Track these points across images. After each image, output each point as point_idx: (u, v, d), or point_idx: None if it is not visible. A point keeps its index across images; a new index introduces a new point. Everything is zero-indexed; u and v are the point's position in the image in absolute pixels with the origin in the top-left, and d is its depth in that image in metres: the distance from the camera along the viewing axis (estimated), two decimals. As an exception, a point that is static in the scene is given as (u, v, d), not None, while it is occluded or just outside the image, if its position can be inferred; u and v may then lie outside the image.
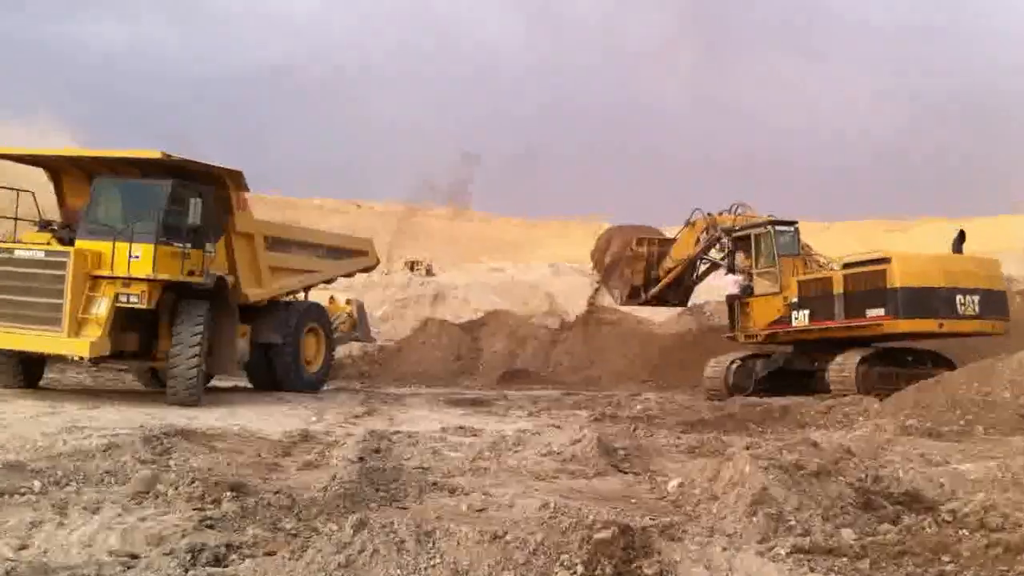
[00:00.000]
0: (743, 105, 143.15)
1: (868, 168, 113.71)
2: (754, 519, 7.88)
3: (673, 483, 9.70)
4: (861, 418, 15.39)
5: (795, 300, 20.47)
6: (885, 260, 19.52)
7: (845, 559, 7.09)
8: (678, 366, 25.16)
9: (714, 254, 23.32)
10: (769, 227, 21.35)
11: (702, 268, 24.21)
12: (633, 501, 9.28)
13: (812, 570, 6.61)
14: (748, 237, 21.64)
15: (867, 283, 19.41)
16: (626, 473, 10.97)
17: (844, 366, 19.01)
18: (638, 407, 17.93)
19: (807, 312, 20.27)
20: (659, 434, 13.96)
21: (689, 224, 24.04)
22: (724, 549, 7.09)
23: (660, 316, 31.50)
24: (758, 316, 21.13)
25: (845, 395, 18.06)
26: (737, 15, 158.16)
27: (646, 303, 25.09)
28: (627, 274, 25.01)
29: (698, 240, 23.56)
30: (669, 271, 24.29)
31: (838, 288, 19.87)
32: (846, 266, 20.10)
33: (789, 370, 21.16)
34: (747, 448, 9.53)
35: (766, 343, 21.39)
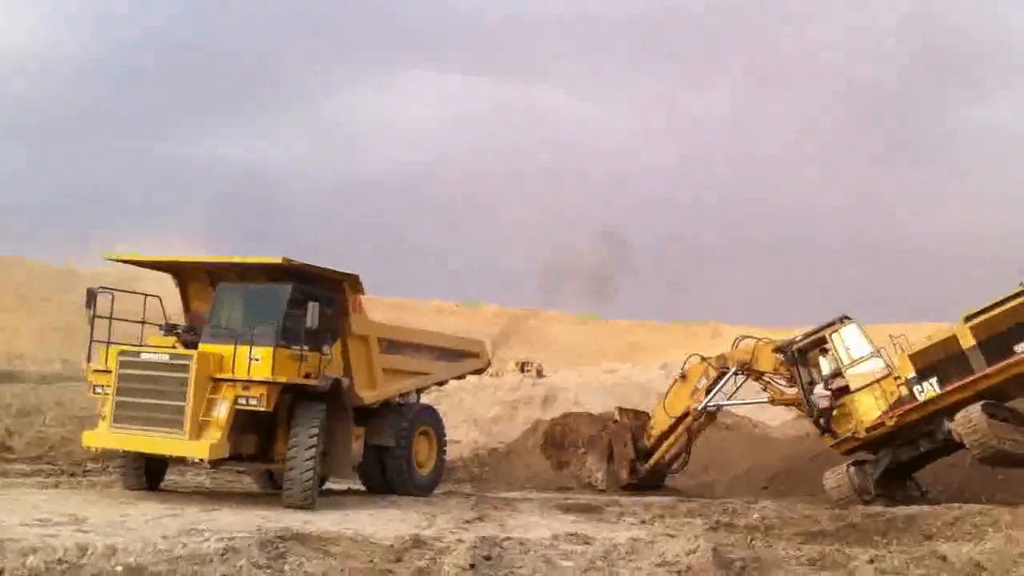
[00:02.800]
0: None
1: None
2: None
3: (794, 599, 9.34)
4: (991, 529, 14.59)
5: (912, 375, 19.82)
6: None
7: None
8: (796, 472, 24.38)
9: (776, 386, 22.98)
10: (845, 321, 21.02)
11: (702, 419, 23.71)
12: (752, 617, 8.96)
13: None
14: (822, 340, 21.23)
15: (1008, 321, 18.90)
16: (744, 587, 10.62)
17: (969, 415, 18.34)
18: (755, 515, 17.38)
19: (934, 380, 19.59)
20: (778, 545, 13.50)
21: (681, 376, 23.91)
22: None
23: (777, 419, 30.81)
24: (864, 411, 20.40)
25: (982, 448, 17.89)
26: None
27: (645, 480, 24.12)
28: (621, 450, 24.25)
29: (695, 389, 23.32)
30: (665, 434, 23.83)
31: (967, 342, 19.26)
32: (968, 319, 19.45)
33: (906, 461, 20.43)
34: (871, 562, 9.15)
35: (882, 435, 20.54)
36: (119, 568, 9.00)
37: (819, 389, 21.19)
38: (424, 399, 22.10)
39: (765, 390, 23.48)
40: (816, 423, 21.28)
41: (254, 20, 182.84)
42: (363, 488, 20.13)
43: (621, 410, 25.71)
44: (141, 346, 16.92)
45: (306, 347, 16.62)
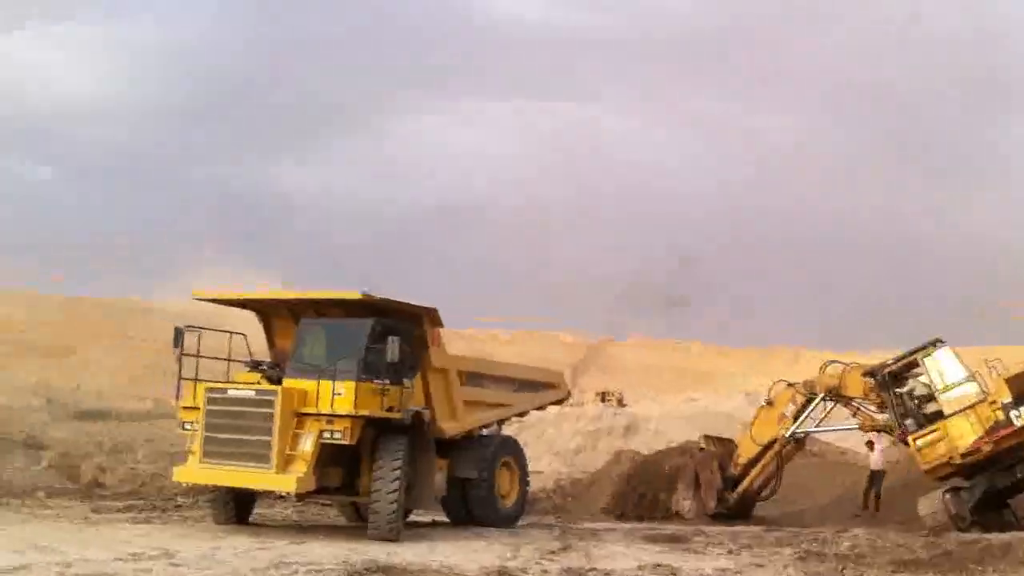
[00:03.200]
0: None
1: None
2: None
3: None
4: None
5: (1008, 400, 19.25)
6: None
7: None
8: (888, 500, 23.76)
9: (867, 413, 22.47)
10: (938, 344, 20.51)
11: (790, 447, 23.28)
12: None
13: None
14: (914, 364, 20.72)
15: None
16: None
17: None
18: (845, 544, 16.96)
19: None
20: (869, 574, 13.16)
21: (767, 403, 23.57)
22: None
23: (866, 447, 30.09)
24: (958, 437, 19.83)
25: None
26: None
27: (733, 509, 23.60)
28: (708, 479, 23.86)
29: (782, 416, 22.95)
30: (752, 461, 23.44)
31: None
32: None
33: (1002, 488, 19.81)
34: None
35: (978, 460, 19.95)
36: (211, 601, 9.15)
37: (909, 421, 20.72)
38: (505, 430, 22.12)
39: (855, 416, 22.99)
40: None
41: (317, 52, 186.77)
42: (447, 520, 20.16)
43: (707, 438, 25.42)
44: (228, 383, 17.23)
45: (387, 381, 16.77)
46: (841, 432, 26.25)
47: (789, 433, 22.92)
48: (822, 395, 22.70)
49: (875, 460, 22.48)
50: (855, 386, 22.22)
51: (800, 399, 22.97)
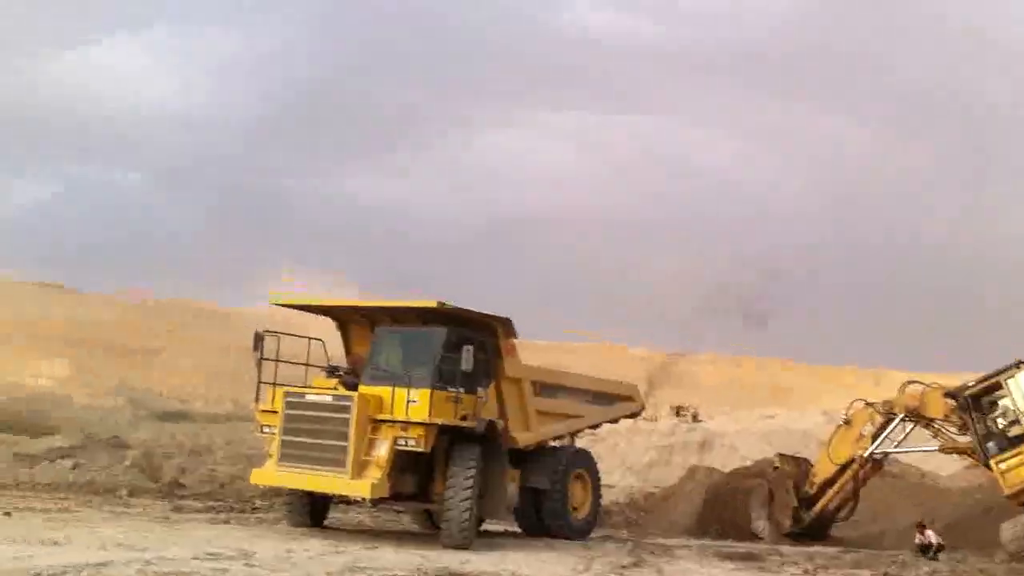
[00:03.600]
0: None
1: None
2: None
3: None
4: None
5: None
6: None
7: None
8: (969, 524, 23.14)
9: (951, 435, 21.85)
10: (1022, 365, 19.85)
11: (868, 467, 22.71)
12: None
13: None
14: (997, 386, 20.11)
15: None
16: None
17: None
18: (925, 569, 16.59)
19: None
20: (952, 599, 12.83)
21: (845, 422, 23.10)
22: None
23: (947, 469, 29.39)
24: None
25: None
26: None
27: (808, 529, 23.27)
28: (783, 498, 23.53)
29: (860, 436, 22.50)
30: (829, 481, 22.99)
31: None
32: None
33: None
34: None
35: None
36: (286, 602, 9.27)
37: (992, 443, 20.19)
38: (578, 443, 22.05)
39: (935, 437, 22.46)
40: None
41: (391, 62, 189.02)
42: (519, 530, 20.16)
43: (782, 456, 25.07)
44: (306, 387, 17.47)
45: (461, 389, 16.85)
46: (921, 454, 25.65)
47: (867, 453, 22.46)
48: (902, 415, 22.21)
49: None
50: (936, 407, 21.71)
51: (879, 419, 22.53)
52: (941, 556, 18.99)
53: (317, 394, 17.07)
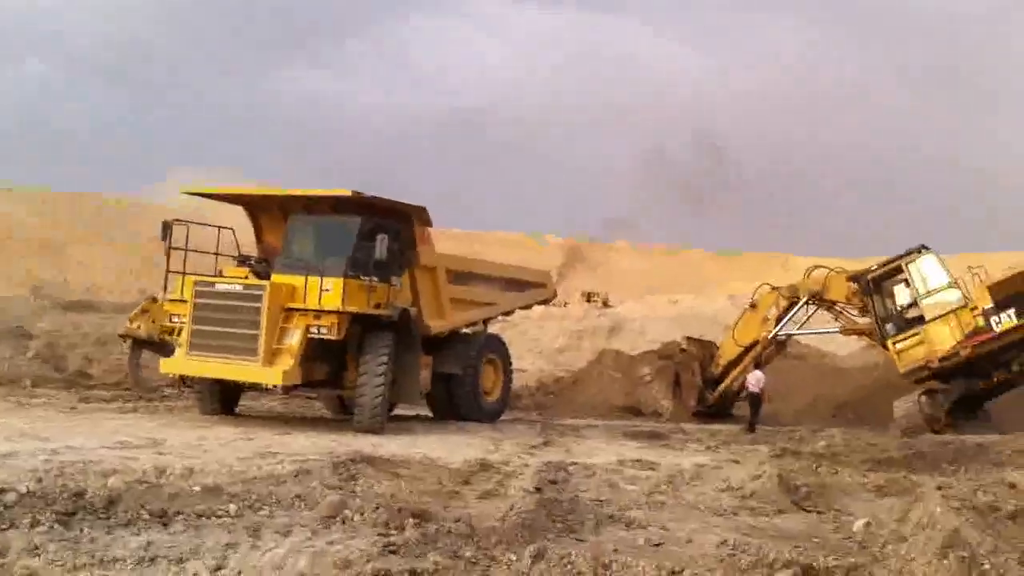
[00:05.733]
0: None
1: None
2: (945, 562, 7.54)
3: (859, 523, 9.38)
4: (1064, 456, 14.40)
5: (989, 306, 19.51)
6: None
7: (1044, 607, 6.69)
8: (866, 402, 24.20)
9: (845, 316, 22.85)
10: (923, 251, 20.74)
11: (772, 349, 23.66)
12: (816, 540, 9.02)
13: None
14: (898, 270, 20.87)
15: None
16: (809, 511, 10.68)
17: None
18: (821, 443, 17.35)
19: (1012, 312, 19.31)
20: (844, 472, 13.47)
21: (751, 306, 23.95)
22: (913, 594, 6.81)
23: (845, 350, 30.49)
24: (938, 341, 20.12)
25: None
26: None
27: (712, 408, 24.29)
28: (689, 379, 24.45)
29: (765, 319, 23.32)
30: (733, 363, 23.86)
31: None
32: None
33: (978, 392, 20.22)
34: (938, 488, 9.12)
35: (955, 365, 20.27)
36: (197, 488, 9.31)
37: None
38: (491, 329, 22.31)
39: (837, 320, 23.29)
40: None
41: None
42: (431, 415, 20.48)
43: (689, 339, 25.77)
44: (216, 277, 17.28)
45: (375, 278, 16.85)
46: (823, 336, 26.60)
47: (771, 335, 23.21)
48: (805, 299, 22.94)
49: (752, 383, 22.34)
50: (838, 290, 22.46)
51: (783, 302, 23.23)
52: (836, 431, 19.79)
53: (228, 283, 16.90)
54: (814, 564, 6.85)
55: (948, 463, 15.07)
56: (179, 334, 17.11)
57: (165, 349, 19.83)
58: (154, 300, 20.19)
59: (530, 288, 22.88)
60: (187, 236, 17.08)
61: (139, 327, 19.61)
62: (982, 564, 7.47)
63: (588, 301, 42.38)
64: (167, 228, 17.14)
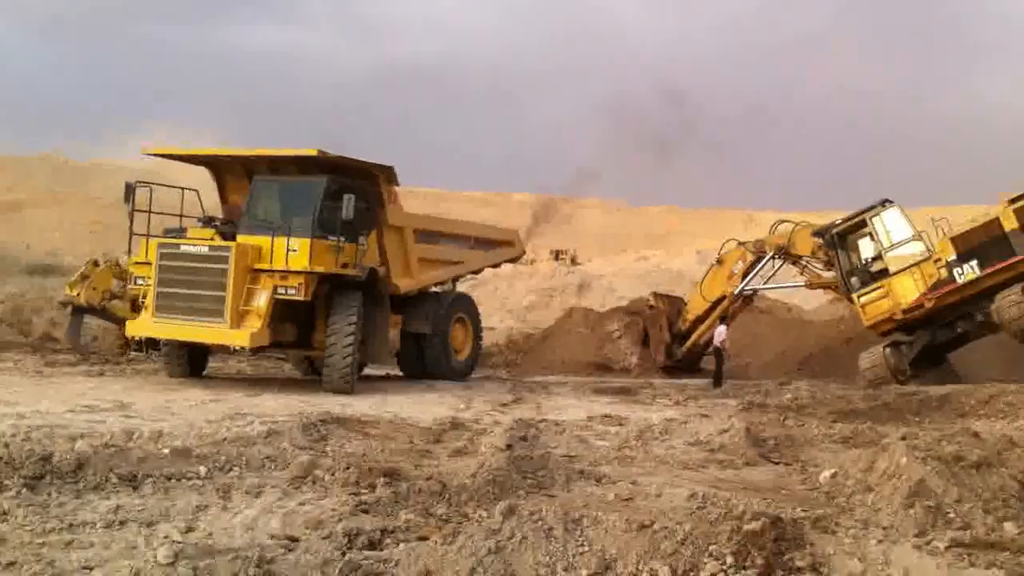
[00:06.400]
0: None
1: None
2: (911, 512, 7.65)
3: (825, 474, 9.49)
4: (1026, 407, 14.61)
5: (953, 258, 19.71)
6: None
7: (1007, 553, 6.81)
8: (831, 355, 24.47)
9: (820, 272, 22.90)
10: (886, 204, 20.83)
11: (738, 303, 23.83)
12: (784, 492, 9.13)
13: (972, 564, 6.39)
14: (862, 224, 21.02)
15: None
16: (776, 463, 10.80)
17: (1009, 296, 18.53)
18: (788, 396, 17.53)
19: (974, 263, 19.49)
20: (810, 424, 13.65)
21: (717, 261, 24.06)
22: (879, 542, 6.91)
23: (811, 304, 30.77)
24: (902, 293, 20.32)
25: (1021, 329, 18.18)
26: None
27: (680, 363, 24.49)
28: (657, 334, 24.63)
29: (732, 274, 23.42)
30: (701, 318, 24.00)
31: (1010, 225, 19.15)
32: (1013, 201, 19.27)
33: (942, 343, 20.51)
34: (904, 438, 9.20)
35: (920, 316, 20.50)
36: (165, 451, 9.26)
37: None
38: (460, 288, 22.31)
39: (802, 274, 23.46)
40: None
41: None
42: (401, 375, 20.50)
43: (656, 295, 25.89)
44: (181, 239, 17.11)
45: (342, 238, 16.75)
46: (787, 289, 26.79)
47: (737, 290, 23.36)
48: (771, 254, 23.08)
49: (717, 337, 22.57)
50: (804, 245, 22.60)
51: (749, 257, 23.35)
52: (802, 384, 19.99)
53: (192, 245, 16.73)
54: (782, 515, 6.92)
55: (913, 414, 15.29)
56: (145, 297, 17.00)
57: (107, 315, 19.77)
58: (96, 264, 20.01)
59: (498, 247, 22.87)
60: (150, 198, 16.89)
61: (78, 294, 19.43)
62: (947, 513, 7.59)
63: (557, 259, 42.46)
64: (130, 190, 16.94)
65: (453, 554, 6.12)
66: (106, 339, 21.61)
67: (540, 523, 6.28)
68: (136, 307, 18.50)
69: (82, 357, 19.46)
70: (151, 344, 19.18)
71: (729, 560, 6.11)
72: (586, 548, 6.17)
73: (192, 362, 17.85)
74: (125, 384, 16.09)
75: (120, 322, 20.43)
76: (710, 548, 6.20)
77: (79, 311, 19.80)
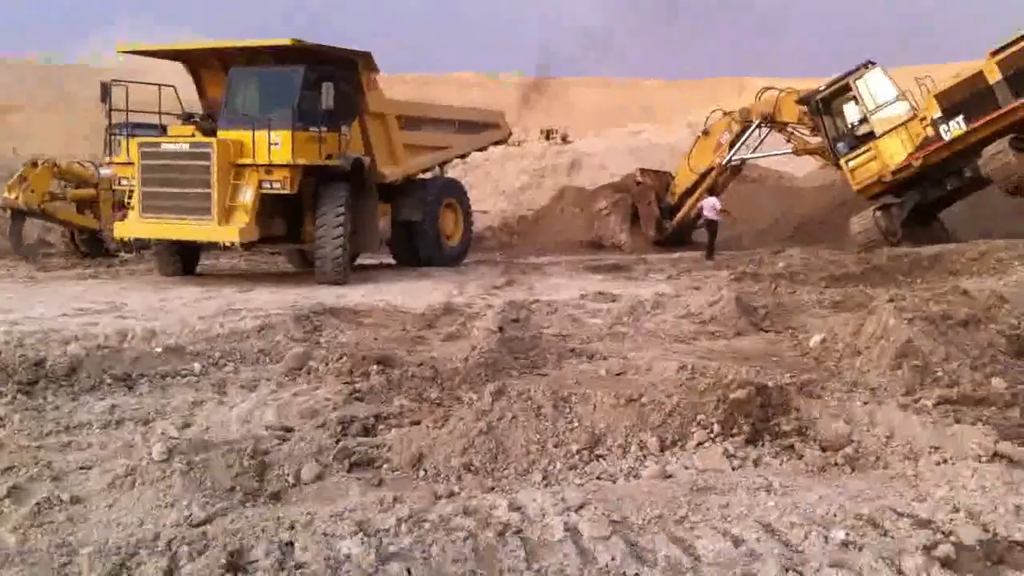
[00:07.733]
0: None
1: None
2: (898, 372, 7.74)
3: (815, 339, 9.57)
4: (1016, 263, 14.66)
5: (938, 115, 19.55)
6: None
7: (994, 408, 6.90)
8: (823, 221, 24.45)
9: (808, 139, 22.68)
10: (869, 66, 20.53)
11: (727, 174, 23.82)
12: (774, 359, 9.21)
13: (958, 420, 6.47)
14: (846, 88, 20.71)
15: None
16: (767, 332, 10.88)
17: (997, 149, 18.46)
18: (780, 264, 17.60)
19: (960, 118, 19.35)
20: (802, 291, 13.70)
21: (704, 132, 23.90)
22: (865, 403, 7.01)
23: (802, 170, 30.60)
24: (890, 155, 20.19)
25: (1009, 181, 18.26)
26: None
27: (672, 237, 24.51)
28: (646, 210, 24.57)
29: (719, 144, 23.25)
30: (690, 191, 23.92)
31: (994, 77, 18.94)
32: (995, 53, 19.03)
33: (932, 202, 20.51)
34: (891, 300, 9.25)
35: (908, 177, 20.41)
36: (159, 350, 9.31)
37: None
38: (450, 173, 22.14)
39: (789, 141, 23.29)
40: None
41: None
42: (394, 263, 20.51)
43: (643, 171, 25.74)
44: (161, 137, 16.89)
45: (324, 128, 16.53)
46: (779, 157, 26.62)
47: (725, 161, 23.22)
48: (757, 122, 22.87)
49: (707, 210, 22.47)
50: (789, 112, 22.37)
51: (736, 127, 23.15)
52: (795, 252, 19.99)
53: (173, 143, 16.53)
54: (769, 383, 6.99)
55: (904, 275, 15.37)
56: (131, 196, 16.89)
57: (48, 216, 19.64)
58: (34, 165, 19.76)
59: (484, 129, 22.61)
60: (127, 96, 16.62)
61: (17, 197, 19.22)
62: (935, 372, 7.67)
63: (547, 139, 41.94)
64: (106, 89, 16.67)
65: (445, 436, 6.21)
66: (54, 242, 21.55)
67: (529, 402, 6.35)
68: (119, 207, 18.41)
69: (22, 259, 19.36)
70: (140, 244, 19.09)
71: (716, 428, 6.20)
72: (575, 424, 6.26)
73: (184, 260, 17.84)
74: (118, 285, 16.10)
75: (63, 223, 20.39)
76: (698, 418, 6.29)
77: (19, 214, 19.60)
